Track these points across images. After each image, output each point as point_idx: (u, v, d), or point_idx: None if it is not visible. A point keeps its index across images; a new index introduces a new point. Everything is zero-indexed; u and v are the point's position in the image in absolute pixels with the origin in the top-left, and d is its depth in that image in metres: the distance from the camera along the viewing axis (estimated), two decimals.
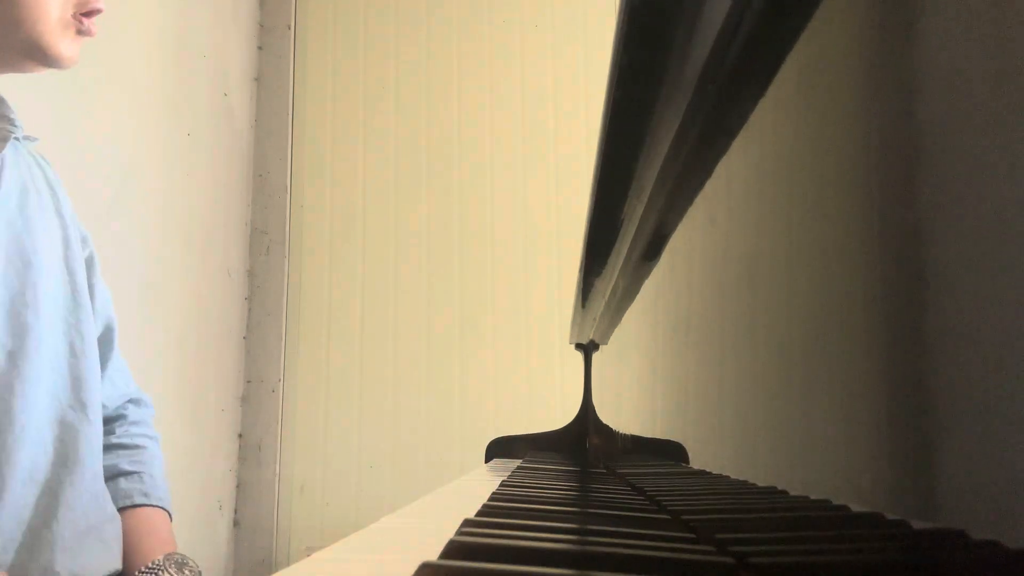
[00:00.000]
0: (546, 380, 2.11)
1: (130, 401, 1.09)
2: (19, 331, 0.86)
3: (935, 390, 0.22)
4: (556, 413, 1.32)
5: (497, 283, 2.22)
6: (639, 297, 0.76)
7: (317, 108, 2.33)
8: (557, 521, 0.39)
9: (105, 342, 1.04)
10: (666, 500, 0.48)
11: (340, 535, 0.41)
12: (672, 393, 0.61)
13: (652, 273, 0.68)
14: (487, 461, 1.25)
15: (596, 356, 1.21)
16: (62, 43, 0.86)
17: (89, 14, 0.88)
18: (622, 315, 0.88)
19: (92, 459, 0.92)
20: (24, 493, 0.83)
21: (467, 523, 0.36)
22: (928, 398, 0.23)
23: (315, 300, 2.26)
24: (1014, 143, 0.18)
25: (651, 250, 0.64)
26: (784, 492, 0.35)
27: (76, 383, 0.93)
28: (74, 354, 0.93)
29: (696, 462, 0.55)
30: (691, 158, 0.47)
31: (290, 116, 2.31)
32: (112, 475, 0.99)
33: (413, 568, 0.27)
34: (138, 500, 0.98)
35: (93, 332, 0.98)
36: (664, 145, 0.45)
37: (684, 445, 0.57)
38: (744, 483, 0.41)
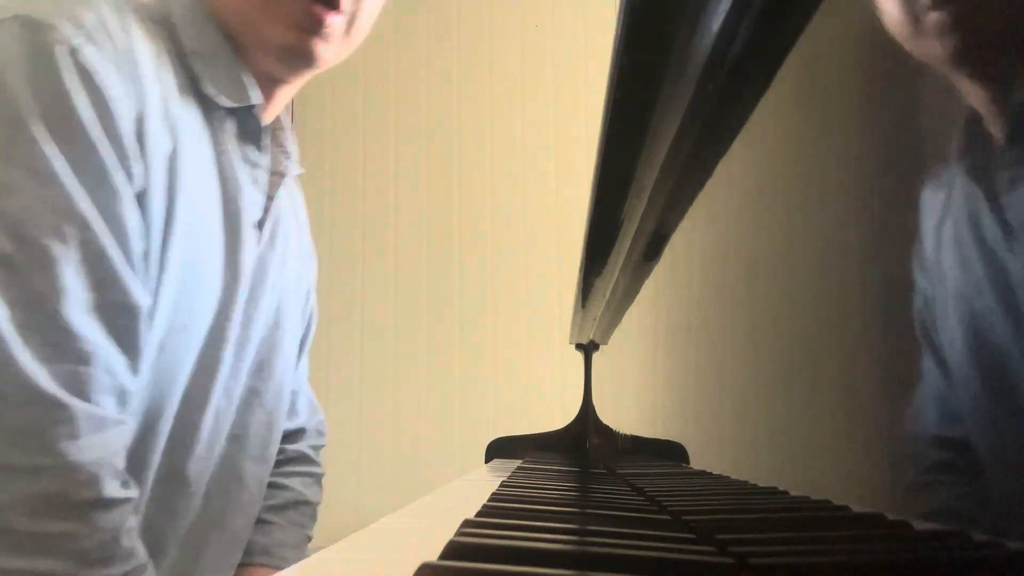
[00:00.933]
0: (546, 380, 2.11)
1: (305, 435, 1.06)
2: (265, 375, 0.86)
3: (935, 390, 0.22)
4: (556, 413, 1.32)
5: (497, 283, 2.22)
6: (639, 297, 0.76)
7: (317, 108, 2.33)
8: (557, 521, 0.39)
9: (303, 341, 1.02)
10: (666, 500, 0.48)
11: (340, 535, 0.41)
12: (672, 393, 0.61)
13: (652, 273, 0.68)
14: (487, 461, 1.25)
15: (596, 356, 1.21)
16: (302, 38, 0.78)
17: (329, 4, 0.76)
18: (622, 315, 0.88)
19: (243, 520, 0.90)
20: (177, 553, 0.82)
21: (467, 523, 0.36)
22: (928, 398, 0.23)
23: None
24: (1014, 143, 0.18)
25: (651, 250, 0.64)
26: (785, 492, 0.35)
27: (269, 432, 0.90)
28: (281, 398, 0.91)
29: (696, 462, 0.55)
30: (691, 158, 0.47)
31: (290, 116, 2.31)
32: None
33: (413, 568, 0.26)
34: (258, 559, 0.95)
35: (295, 371, 0.97)
36: (664, 145, 0.45)
37: (684, 445, 0.57)
38: (745, 483, 0.41)
